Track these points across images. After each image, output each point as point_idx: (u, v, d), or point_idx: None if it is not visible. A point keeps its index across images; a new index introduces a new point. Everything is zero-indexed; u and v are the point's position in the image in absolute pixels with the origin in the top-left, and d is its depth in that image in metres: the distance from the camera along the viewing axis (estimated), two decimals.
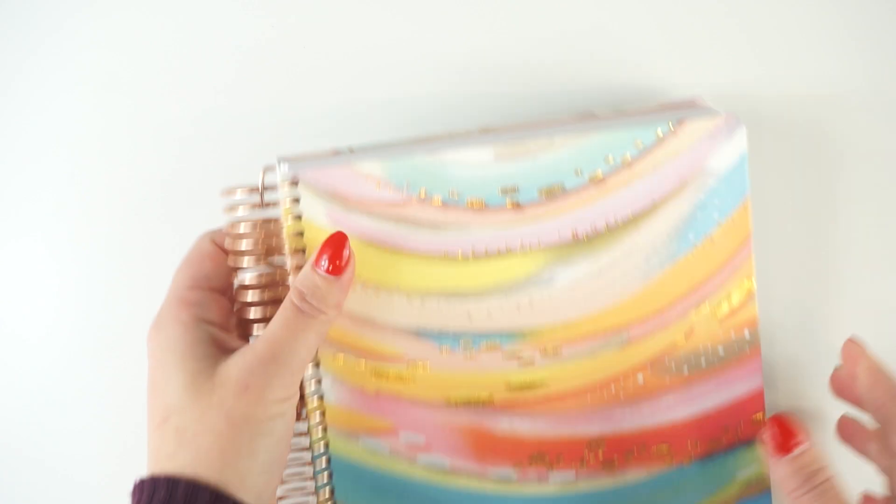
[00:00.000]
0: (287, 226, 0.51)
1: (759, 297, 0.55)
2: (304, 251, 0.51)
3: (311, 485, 0.53)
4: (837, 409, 0.57)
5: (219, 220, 0.52)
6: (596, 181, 0.53)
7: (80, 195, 0.58)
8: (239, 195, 0.50)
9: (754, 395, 0.56)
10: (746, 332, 0.55)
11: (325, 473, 0.53)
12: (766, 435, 0.49)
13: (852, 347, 0.54)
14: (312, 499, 0.53)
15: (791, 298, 0.59)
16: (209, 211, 0.52)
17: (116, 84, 0.57)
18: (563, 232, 0.53)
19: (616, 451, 0.55)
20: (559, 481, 0.55)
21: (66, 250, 0.58)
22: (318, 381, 0.52)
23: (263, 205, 0.51)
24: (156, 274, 0.52)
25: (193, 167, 0.57)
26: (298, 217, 0.51)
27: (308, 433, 0.52)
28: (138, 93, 0.57)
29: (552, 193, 0.52)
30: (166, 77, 0.57)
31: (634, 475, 0.55)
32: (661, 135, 0.53)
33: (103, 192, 0.58)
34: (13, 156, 0.58)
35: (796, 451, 0.48)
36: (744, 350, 0.55)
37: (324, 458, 0.53)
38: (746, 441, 0.56)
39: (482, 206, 0.52)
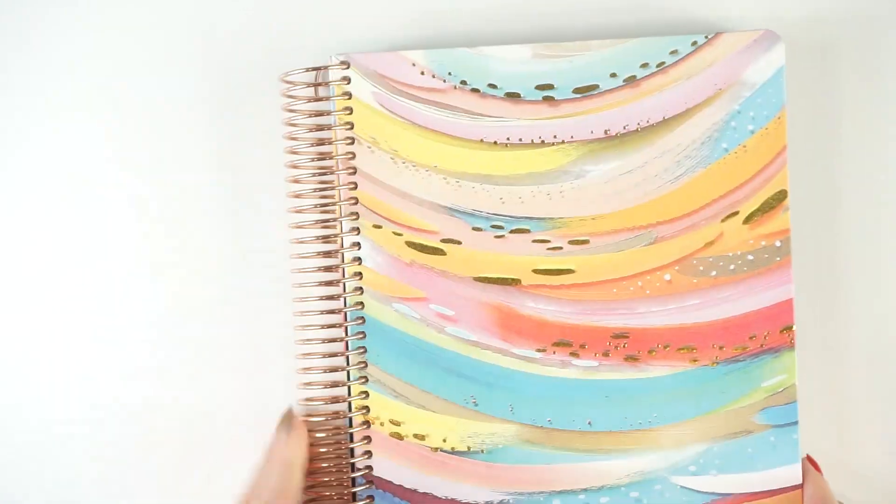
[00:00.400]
0: (337, 101, 0.57)
1: (792, 209, 0.57)
2: (352, 126, 0.57)
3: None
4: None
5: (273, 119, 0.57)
6: (631, 84, 0.56)
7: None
8: (297, 75, 0.57)
9: (784, 305, 0.57)
10: (777, 242, 0.57)
11: (360, 333, 0.58)
12: None
13: (805, 465, 0.56)
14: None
15: (824, 212, 0.59)
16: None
17: None
18: (596, 129, 0.56)
19: (640, 346, 0.57)
20: (582, 367, 0.58)
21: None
22: (358, 246, 0.57)
23: (317, 94, 0.57)
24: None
25: (245, 68, 0.61)
26: (348, 95, 0.57)
27: (344, 293, 0.57)
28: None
29: (587, 93, 0.56)
30: None
31: (657, 371, 0.58)
32: (696, 44, 0.56)
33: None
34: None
35: None
36: (774, 259, 0.57)
37: (359, 319, 0.58)
38: (774, 350, 0.57)
39: (518, 99, 0.56)
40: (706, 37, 0.56)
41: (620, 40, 0.56)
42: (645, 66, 0.56)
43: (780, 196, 0.56)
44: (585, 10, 0.58)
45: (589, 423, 0.58)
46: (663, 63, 0.56)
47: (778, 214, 0.56)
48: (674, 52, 0.56)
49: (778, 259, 0.57)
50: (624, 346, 0.57)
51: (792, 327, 0.57)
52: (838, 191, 0.59)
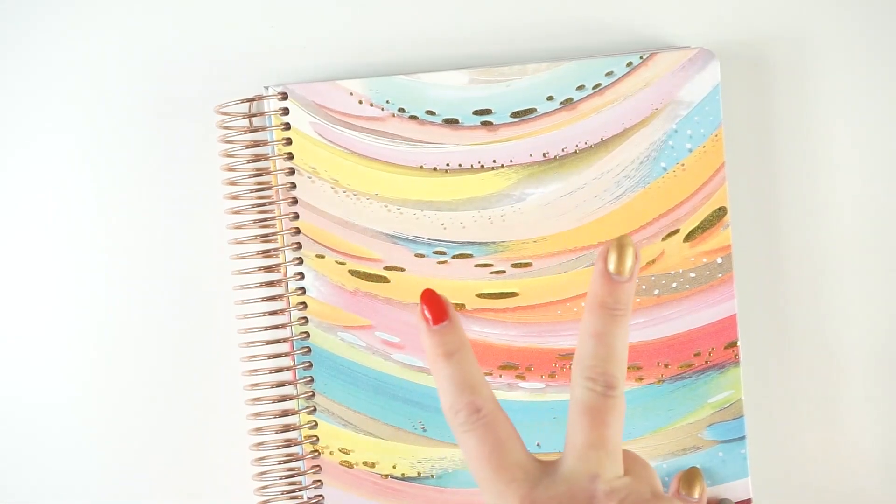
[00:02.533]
0: (275, 131, 0.57)
1: (732, 226, 0.57)
2: (291, 156, 0.57)
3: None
4: (811, 337, 0.59)
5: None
6: (568, 106, 0.56)
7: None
8: (232, 107, 0.57)
9: (727, 321, 0.57)
10: (719, 259, 0.57)
11: (306, 363, 0.58)
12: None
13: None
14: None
15: (764, 227, 0.60)
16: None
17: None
18: (534, 152, 0.57)
19: None
20: (529, 390, 0.58)
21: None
22: (301, 276, 0.57)
23: (252, 125, 0.57)
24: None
25: (182, 97, 0.60)
26: (286, 125, 0.57)
27: (289, 323, 0.58)
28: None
29: (524, 116, 0.56)
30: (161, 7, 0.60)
31: None
32: (632, 65, 0.56)
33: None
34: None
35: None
36: (716, 276, 0.57)
37: (305, 349, 0.58)
38: (719, 366, 0.57)
39: (457, 125, 0.56)
40: (641, 57, 0.56)
41: (556, 63, 0.56)
42: (581, 88, 0.56)
43: (720, 213, 0.57)
44: (521, 35, 0.58)
45: (538, 445, 0.58)
46: (599, 84, 0.56)
47: (718, 231, 0.57)
48: (609, 74, 0.56)
49: (720, 275, 0.57)
50: (570, 367, 0.57)
51: (736, 343, 0.57)
52: (777, 206, 0.59)
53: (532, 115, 0.56)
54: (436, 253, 0.57)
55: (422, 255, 0.57)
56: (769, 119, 0.59)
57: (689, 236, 0.57)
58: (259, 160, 0.57)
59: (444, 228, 0.57)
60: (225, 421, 0.60)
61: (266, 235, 0.57)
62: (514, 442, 0.44)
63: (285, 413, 0.58)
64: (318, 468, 0.58)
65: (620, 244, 0.44)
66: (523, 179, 0.57)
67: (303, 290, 0.57)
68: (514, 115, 0.56)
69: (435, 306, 0.45)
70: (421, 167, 0.57)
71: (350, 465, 0.58)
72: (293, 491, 0.58)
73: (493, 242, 0.57)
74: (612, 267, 0.44)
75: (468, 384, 0.44)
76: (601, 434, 0.43)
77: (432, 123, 0.56)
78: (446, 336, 0.44)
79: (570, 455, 0.44)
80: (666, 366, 0.58)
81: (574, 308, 0.57)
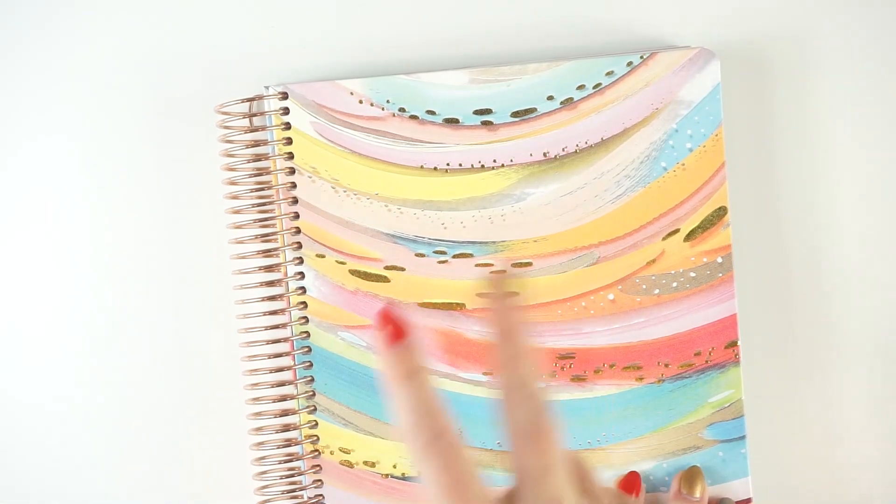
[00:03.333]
0: (276, 131, 0.57)
1: (732, 225, 0.57)
2: (291, 156, 0.57)
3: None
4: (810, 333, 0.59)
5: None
6: (568, 106, 0.56)
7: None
8: (233, 107, 0.57)
9: (728, 321, 0.57)
10: (719, 258, 0.57)
11: (307, 362, 0.58)
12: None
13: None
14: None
15: (764, 227, 0.60)
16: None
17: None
18: (535, 152, 0.57)
19: (586, 366, 0.58)
20: None
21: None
22: (301, 275, 0.57)
23: (252, 125, 0.57)
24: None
25: (182, 97, 0.60)
26: (287, 125, 0.57)
27: (290, 323, 0.58)
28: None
29: (525, 116, 0.56)
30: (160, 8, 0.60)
31: (604, 390, 0.58)
32: (632, 65, 0.56)
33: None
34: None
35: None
36: (716, 275, 0.57)
37: (305, 348, 0.58)
38: (719, 366, 0.57)
39: (457, 124, 0.56)
40: (641, 57, 0.56)
41: (557, 63, 0.56)
42: (581, 87, 0.56)
43: (721, 212, 0.57)
44: (521, 34, 0.58)
45: None
46: (600, 84, 0.56)
47: (719, 231, 0.57)
48: (610, 73, 0.56)
49: (720, 275, 0.57)
50: (570, 367, 0.58)
51: (737, 342, 0.57)
52: (777, 205, 0.59)
53: (532, 115, 0.56)
54: (436, 252, 0.57)
55: (422, 255, 0.57)
56: (769, 119, 0.59)
57: (690, 236, 0.57)
58: (259, 160, 0.57)
59: (445, 228, 0.57)
60: (225, 421, 0.60)
61: (266, 235, 0.57)
62: (474, 472, 0.41)
63: (285, 413, 0.58)
64: (318, 468, 0.58)
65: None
66: (523, 179, 0.57)
67: (303, 289, 0.57)
68: (515, 114, 0.56)
69: (392, 323, 0.42)
70: (421, 167, 0.57)
71: (350, 465, 0.58)
72: (293, 491, 0.58)
73: (494, 242, 0.57)
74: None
75: (430, 407, 0.41)
76: (550, 460, 0.41)
77: (433, 123, 0.56)
78: (405, 356, 0.41)
79: (524, 483, 0.41)
80: (666, 365, 0.58)
81: (574, 308, 0.57)
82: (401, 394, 0.41)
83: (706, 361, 0.57)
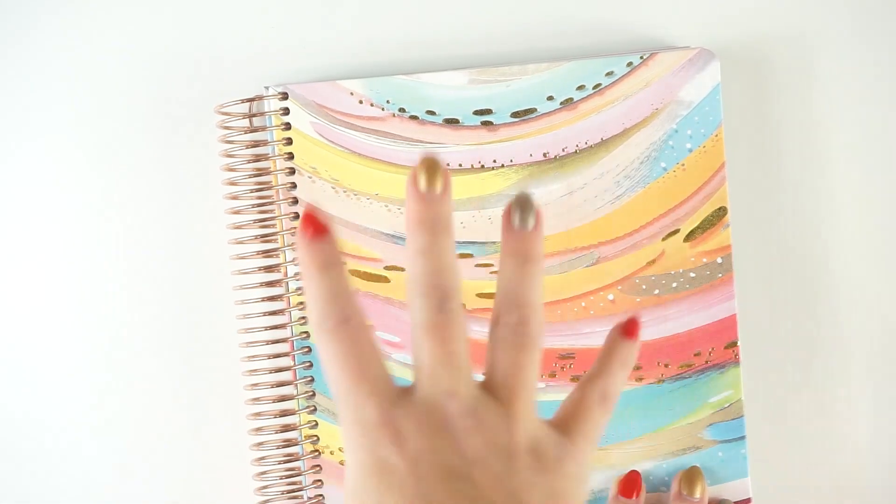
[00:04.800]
0: (276, 131, 0.57)
1: (732, 226, 0.57)
2: (291, 156, 0.57)
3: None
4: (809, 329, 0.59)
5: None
6: (568, 106, 0.56)
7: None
8: (233, 107, 0.57)
9: (728, 321, 0.57)
10: (719, 259, 0.57)
11: (307, 363, 0.58)
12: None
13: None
14: None
15: (764, 227, 0.60)
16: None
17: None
18: (535, 152, 0.57)
19: (586, 366, 0.58)
20: None
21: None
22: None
23: (252, 125, 0.57)
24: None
25: (182, 97, 0.60)
26: (287, 125, 0.57)
27: (290, 323, 0.58)
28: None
29: (525, 116, 0.56)
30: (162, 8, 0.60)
31: None
32: (632, 65, 0.56)
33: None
34: None
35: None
36: (716, 276, 0.57)
37: (306, 348, 0.58)
38: (719, 366, 0.57)
39: (457, 125, 0.57)
40: (641, 57, 0.56)
41: (556, 63, 0.56)
42: (581, 88, 0.56)
43: (721, 213, 0.57)
44: (521, 35, 0.58)
45: None
46: (599, 85, 0.56)
47: (718, 231, 0.57)
48: (609, 74, 0.56)
49: (720, 275, 0.57)
50: (570, 367, 0.58)
51: (736, 343, 0.57)
52: (777, 206, 0.59)
53: (532, 115, 0.56)
54: None
55: None
56: (769, 119, 0.59)
57: (690, 236, 0.57)
58: (259, 160, 0.57)
59: None
60: (225, 421, 0.60)
61: (266, 235, 0.57)
62: (378, 357, 0.42)
63: (285, 413, 0.58)
64: (318, 468, 0.58)
65: (426, 161, 0.44)
66: (523, 179, 0.57)
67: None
68: (515, 115, 0.56)
69: (315, 220, 0.42)
70: None
71: None
72: (293, 491, 0.58)
73: (494, 242, 0.57)
74: (421, 185, 0.43)
75: (341, 295, 0.42)
76: (447, 350, 0.41)
77: (433, 123, 0.56)
78: (325, 249, 0.42)
79: (420, 376, 0.42)
80: (666, 365, 0.58)
81: (574, 308, 0.57)
82: (314, 283, 0.42)
83: (706, 362, 0.57)
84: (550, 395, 0.58)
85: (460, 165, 0.57)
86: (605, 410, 0.45)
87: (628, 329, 0.47)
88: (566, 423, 0.44)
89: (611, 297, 0.57)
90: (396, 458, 0.40)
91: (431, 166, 0.43)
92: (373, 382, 0.41)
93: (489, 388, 0.43)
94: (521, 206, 0.44)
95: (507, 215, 0.44)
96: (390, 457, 0.40)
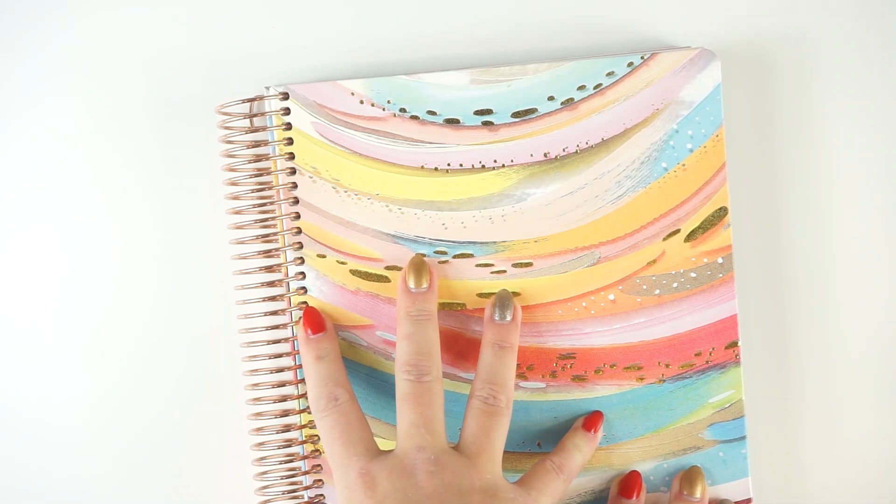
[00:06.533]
0: (276, 131, 0.57)
1: (733, 226, 0.57)
2: (292, 156, 0.57)
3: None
4: (810, 334, 0.59)
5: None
6: (569, 106, 0.56)
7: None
8: (233, 107, 0.57)
9: (728, 321, 0.57)
10: (720, 259, 0.57)
11: None
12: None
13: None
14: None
15: (765, 227, 0.60)
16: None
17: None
18: (535, 152, 0.57)
19: (587, 366, 0.58)
20: (529, 389, 0.58)
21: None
22: (302, 276, 0.57)
23: (253, 125, 0.57)
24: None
25: (183, 97, 0.60)
26: (288, 125, 0.57)
27: (290, 323, 0.58)
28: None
29: (525, 116, 0.56)
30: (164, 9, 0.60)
31: (604, 390, 0.58)
32: (633, 65, 0.56)
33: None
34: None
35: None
36: (717, 276, 0.57)
37: None
38: (720, 366, 0.57)
39: (458, 125, 0.57)
40: (642, 57, 0.56)
41: (557, 63, 0.56)
42: (582, 88, 0.56)
43: (721, 213, 0.57)
44: (522, 35, 0.58)
45: (539, 445, 0.58)
46: (600, 85, 0.56)
47: (719, 231, 0.57)
48: (610, 74, 0.56)
49: (721, 275, 0.57)
50: (571, 367, 0.58)
51: (737, 343, 0.57)
52: (778, 206, 0.59)
53: (533, 115, 0.56)
54: (437, 253, 0.57)
55: (423, 255, 0.57)
56: (770, 119, 0.59)
57: (690, 236, 0.57)
58: (260, 160, 0.57)
59: (445, 228, 0.57)
60: (225, 421, 0.60)
61: (267, 235, 0.57)
62: (363, 426, 0.53)
63: (286, 413, 0.58)
64: (318, 468, 0.58)
65: (413, 264, 0.56)
66: (524, 179, 0.57)
67: (304, 289, 0.57)
68: (515, 115, 0.56)
69: (313, 319, 0.56)
70: (422, 167, 0.57)
71: None
72: (294, 491, 0.58)
73: (494, 242, 0.57)
74: (411, 285, 0.55)
75: (331, 379, 0.54)
76: (422, 413, 0.52)
77: (433, 123, 0.56)
78: (320, 344, 0.56)
79: (399, 436, 0.52)
80: (667, 366, 0.58)
81: (575, 308, 0.57)
82: (310, 371, 0.55)
83: (707, 362, 0.57)
84: (551, 396, 0.58)
85: (461, 165, 0.57)
86: (562, 479, 0.55)
87: (588, 423, 0.57)
88: (526, 480, 0.54)
89: (612, 296, 0.57)
90: (369, 501, 0.50)
91: (419, 268, 0.55)
92: (357, 446, 0.52)
93: (459, 447, 0.52)
94: (501, 303, 0.56)
95: (490, 309, 0.56)
96: (364, 500, 0.50)
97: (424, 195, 0.57)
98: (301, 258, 0.57)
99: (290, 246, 0.57)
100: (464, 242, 0.57)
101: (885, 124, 0.59)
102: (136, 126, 0.59)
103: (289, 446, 0.58)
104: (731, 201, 0.57)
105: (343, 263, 0.57)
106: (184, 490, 0.61)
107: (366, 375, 0.58)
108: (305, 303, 0.58)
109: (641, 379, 0.58)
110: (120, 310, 0.60)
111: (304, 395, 0.57)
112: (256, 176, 0.57)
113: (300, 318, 0.56)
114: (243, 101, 0.57)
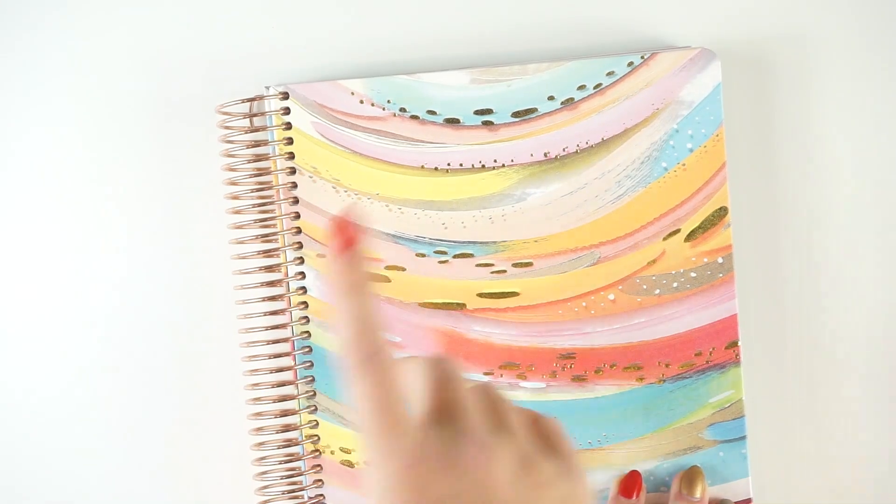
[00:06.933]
0: (276, 131, 0.57)
1: (733, 225, 0.57)
2: (292, 156, 0.57)
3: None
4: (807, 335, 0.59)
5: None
6: (569, 106, 0.56)
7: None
8: (233, 107, 0.57)
9: (728, 321, 0.57)
10: (720, 259, 0.57)
11: (307, 362, 0.58)
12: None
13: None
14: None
15: (765, 227, 0.60)
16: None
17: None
18: (535, 152, 0.57)
19: (587, 366, 0.58)
20: (530, 389, 0.58)
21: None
22: (302, 275, 0.57)
23: (253, 125, 0.57)
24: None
25: (183, 97, 0.60)
26: (288, 125, 0.57)
27: (290, 323, 0.58)
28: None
29: (525, 116, 0.56)
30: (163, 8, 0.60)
31: (604, 390, 0.58)
32: (633, 65, 0.56)
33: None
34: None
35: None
36: (717, 276, 0.57)
37: (306, 348, 0.58)
38: (720, 366, 0.57)
39: (458, 124, 0.57)
40: (642, 57, 0.56)
41: (557, 63, 0.56)
42: (582, 87, 0.56)
43: (721, 213, 0.57)
44: (522, 35, 0.58)
45: None
46: (600, 84, 0.56)
47: (719, 231, 0.57)
48: (610, 74, 0.56)
49: (721, 275, 0.57)
50: (571, 367, 0.58)
51: (737, 343, 0.57)
52: (778, 206, 0.59)
53: (533, 115, 0.56)
54: (437, 252, 0.57)
55: (423, 255, 0.57)
56: (770, 119, 0.59)
57: (690, 236, 0.57)
58: (260, 160, 0.57)
59: (445, 228, 0.57)
60: (226, 421, 0.60)
61: (267, 235, 0.57)
62: (400, 395, 0.39)
63: (286, 413, 0.58)
64: (319, 468, 0.58)
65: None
66: (524, 179, 0.57)
67: (304, 289, 0.57)
68: (515, 114, 0.56)
69: (346, 230, 0.39)
70: (422, 167, 0.57)
71: (351, 465, 0.58)
72: (294, 491, 0.58)
73: (494, 242, 0.57)
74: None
75: (372, 322, 0.39)
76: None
77: (433, 123, 0.56)
78: (352, 266, 0.39)
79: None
80: (667, 365, 0.58)
81: (575, 308, 0.57)
82: (343, 306, 0.39)
83: (707, 362, 0.57)
84: (551, 395, 0.58)
85: (461, 165, 0.57)
86: None
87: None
88: None
89: (612, 296, 0.57)
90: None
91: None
92: (393, 421, 0.38)
93: None
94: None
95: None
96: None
97: (424, 195, 0.57)
98: (301, 258, 0.57)
99: (290, 246, 0.57)
100: (464, 242, 0.57)
101: (884, 124, 0.59)
102: (136, 126, 0.59)
103: (289, 446, 0.58)
104: (731, 201, 0.57)
105: None
106: (184, 490, 0.61)
107: None
108: (305, 303, 0.57)
109: (641, 379, 0.58)
110: (119, 309, 0.60)
111: (304, 395, 0.57)
112: (256, 176, 0.57)
113: (332, 225, 0.39)
114: (243, 101, 0.57)
